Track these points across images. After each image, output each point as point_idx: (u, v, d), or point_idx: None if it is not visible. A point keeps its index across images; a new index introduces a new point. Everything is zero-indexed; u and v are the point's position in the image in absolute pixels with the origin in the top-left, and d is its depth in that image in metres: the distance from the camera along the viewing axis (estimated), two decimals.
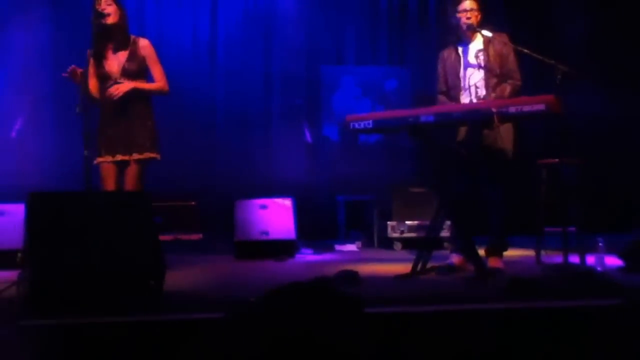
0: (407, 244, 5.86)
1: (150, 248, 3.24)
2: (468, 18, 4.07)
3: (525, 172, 4.48)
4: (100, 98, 4.19)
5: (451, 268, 4.06)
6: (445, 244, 5.23)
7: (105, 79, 4.15)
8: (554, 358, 2.45)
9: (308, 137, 7.16)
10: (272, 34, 7.21)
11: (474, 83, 4.09)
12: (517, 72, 4.08)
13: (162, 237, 3.78)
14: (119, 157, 4.15)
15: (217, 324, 2.34)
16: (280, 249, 5.16)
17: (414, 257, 3.95)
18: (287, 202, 5.33)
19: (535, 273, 3.92)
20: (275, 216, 5.29)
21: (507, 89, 4.02)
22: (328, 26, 7.22)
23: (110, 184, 4.14)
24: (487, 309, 2.74)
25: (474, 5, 4.08)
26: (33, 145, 6.32)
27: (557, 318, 2.58)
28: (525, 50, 3.99)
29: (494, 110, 3.59)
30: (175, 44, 6.94)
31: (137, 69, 4.17)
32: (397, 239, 5.92)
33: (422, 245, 4.02)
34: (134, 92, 4.12)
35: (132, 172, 4.15)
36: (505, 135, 4.00)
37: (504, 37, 4.10)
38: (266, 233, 5.25)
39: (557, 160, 4.39)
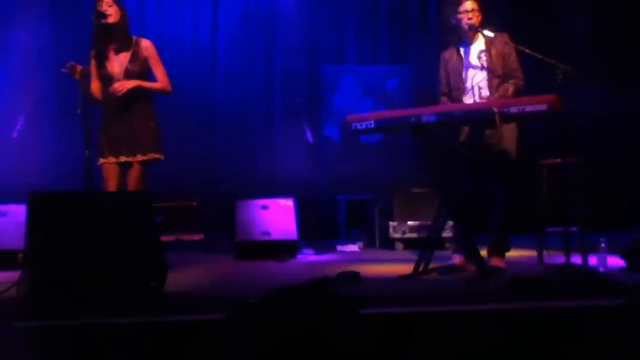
0: (408, 244, 5.84)
1: (152, 248, 3.24)
2: (469, 19, 4.06)
3: (527, 171, 4.47)
4: (102, 99, 4.17)
5: (453, 268, 4.06)
6: (447, 245, 5.22)
7: (107, 80, 4.13)
8: (556, 358, 2.45)
9: (309, 136, 7.14)
10: (272, 33, 7.19)
11: (476, 84, 4.08)
12: (520, 71, 4.07)
13: (163, 238, 3.78)
14: (122, 159, 4.13)
15: (217, 324, 2.34)
16: (282, 249, 5.14)
17: (415, 257, 3.95)
18: (289, 203, 5.31)
19: (537, 273, 3.90)
20: (276, 217, 5.27)
21: (510, 88, 4.01)
22: (329, 25, 7.19)
23: (112, 185, 4.12)
24: (489, 310, 2.74)
25: (474, 6, 4.07)
26: (33, 144, 6.30)
27: (559, 318, 2.58)
28: (527, 50, 3.98)
29: (495, 110, 3.59)
30: (176, 44, 6.91)
31: (140, 70, 4.16)
32: (399, 240, 5.90)
33: (423, 246, 4.02)
34: (137, 90, 4.10)
35: (134, 173, 4.13)
36: (508, 135, 4.00)
37: (505, 37, 4.09)
38: (267, 233, 5.23)
39: (559, 159, 4.37)
